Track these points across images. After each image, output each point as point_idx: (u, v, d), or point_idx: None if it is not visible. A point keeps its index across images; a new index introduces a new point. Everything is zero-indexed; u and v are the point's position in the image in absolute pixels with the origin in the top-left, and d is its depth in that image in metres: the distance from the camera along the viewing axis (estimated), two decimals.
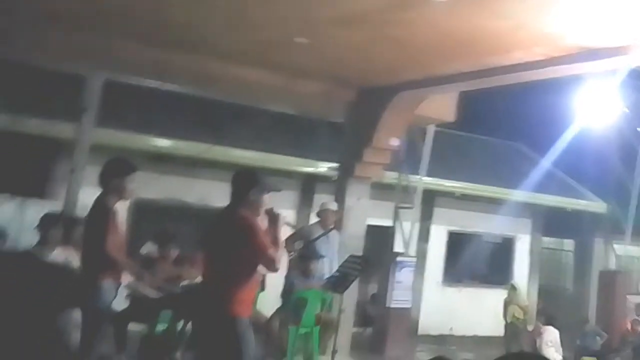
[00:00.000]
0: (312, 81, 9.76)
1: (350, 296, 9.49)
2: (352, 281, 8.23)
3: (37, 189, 10.68)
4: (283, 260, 8.09)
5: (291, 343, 8.72)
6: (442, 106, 10.35)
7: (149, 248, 8.90)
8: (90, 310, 6.05)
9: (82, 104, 9.46)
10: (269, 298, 8.90)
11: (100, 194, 6.46)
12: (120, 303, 7.24)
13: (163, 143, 11.48)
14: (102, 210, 6.32)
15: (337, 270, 8.60)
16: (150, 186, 10.12)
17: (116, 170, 6.46)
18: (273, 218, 5.56)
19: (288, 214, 9.32)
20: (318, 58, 8.53)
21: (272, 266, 5.39)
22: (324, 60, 8.63)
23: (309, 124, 12.89)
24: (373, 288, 13.40)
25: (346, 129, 10.59)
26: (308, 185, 13.34)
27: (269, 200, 5.54)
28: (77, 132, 9.64)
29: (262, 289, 8.30)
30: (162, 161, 11.36)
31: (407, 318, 12.64)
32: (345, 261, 8.56)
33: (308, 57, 8.45)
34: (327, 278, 8.83)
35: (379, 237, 12.24)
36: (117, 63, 9.06)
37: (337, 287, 8.30)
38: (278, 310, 9.04)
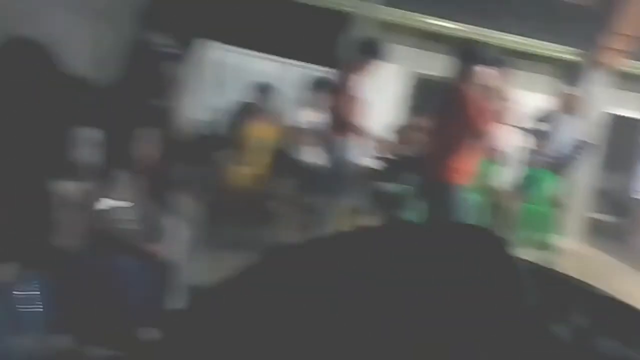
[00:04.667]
0: None
1: (585, 181, 9.62)
2: (574, 165, 8.35)
3: (321, 58, 11.38)
4: (515, 137, 8.39)
5: (521, 219, 9.03)
6: None
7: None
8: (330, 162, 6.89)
9: None
10: (503, 173, 9.18)
11: (344, 69, 7.14)
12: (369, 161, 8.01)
13: (436, 23, 11.98)
14: (344, 81, 7.01)
15: (566, 153, 8.78)
16: (424, 63, 10.96)
17: (363, 48, 7.09)
18: (494, 93, 5.85)
19: (528, 97, 9.50)
20: None
21: (484, 139, 5.72)
22: None
23: (553, 7, 12.67)
24: (618, 177, 13.19)
25: (591, 14, 10.39)
26: (549, 69, 13.19)
27: (493, 75, 5.83)
28: (361, 7, 10.33)
29: (497, 163, 8.60)
30: (435, 40, 11.81)
31: None
32: (575, 145, 8.70)
33: None
34: (557, 159, 9.01)
35: (624, 128, 12.04)
36: None
37: (560, 169, 8.49)
38: (510, 186, 9.34)
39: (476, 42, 8.14)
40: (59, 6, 5.44)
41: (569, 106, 9.49)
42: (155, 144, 5.08)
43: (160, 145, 5.19)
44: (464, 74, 5.85)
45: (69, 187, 4.26)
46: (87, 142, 4.81)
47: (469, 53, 5.98)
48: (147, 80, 6.25)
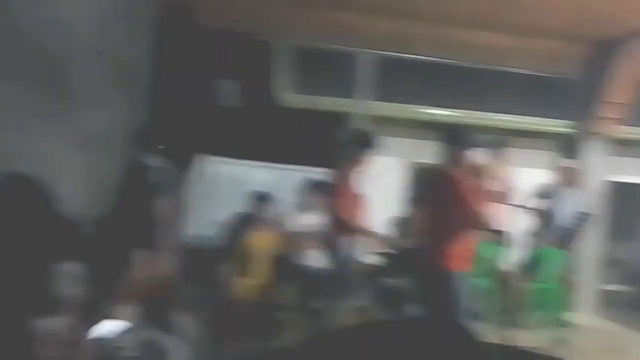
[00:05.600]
0: (544, 39, 9.75)
1: (593, 253, 9.60)
2: (578, 238, 8.32)
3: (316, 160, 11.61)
4: (515, 217, 8.38)
5: (528, 299, 8.86)
6: None
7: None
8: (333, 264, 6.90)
9: (355, 80, 10.35)
10: (508, 254, 9.11)
11: (341, 167, 7.19)
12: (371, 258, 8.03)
13: (429, 112, 12.16)
14: (341, 179, 7.03)
15: (567, 227, 8.78)
16: (421, 151, 11.01)
17: (357, 143, 7.15)
18: (486, 174, 5.84)
19: (527, 174, 9.52)
20: (550, 15, 8.58)
21: (478, 223, 5.64)
22: (556, 17, 8.64)
23: (543, 83, 12.80)
24: (627, 245, 13.04)
25: (578, 85, 10.46)
26: (543, 143, 13.23)
27: (482, 156, 5.82)
28: (353, 105, 10.53)
29: (500, 244, 8.58)
30: (431, 128, 11.96)
31: None
32: (575, 218, 8.70)
33: (540, 15, 8.55)
34: (561, 234, 8.97)
35: (627, 194, 11.98)
36: (374, 39, 9.89)
37: (565, 244, 8.48)
38: (516, 267, 9.27)
39: (463, 125, 8.21)
40: (52, 139, 5.52)
41: (568, 179, 9.48)
42: (154, 265, 5.10)
43: (159, 266, 5.21)
44: (453, 158, 5.87)
45: (55, 323, 4.24)
46: (74, 276, 4.79)
47: (454, 137, 6.00)
48: (143, 201, 6.29)
